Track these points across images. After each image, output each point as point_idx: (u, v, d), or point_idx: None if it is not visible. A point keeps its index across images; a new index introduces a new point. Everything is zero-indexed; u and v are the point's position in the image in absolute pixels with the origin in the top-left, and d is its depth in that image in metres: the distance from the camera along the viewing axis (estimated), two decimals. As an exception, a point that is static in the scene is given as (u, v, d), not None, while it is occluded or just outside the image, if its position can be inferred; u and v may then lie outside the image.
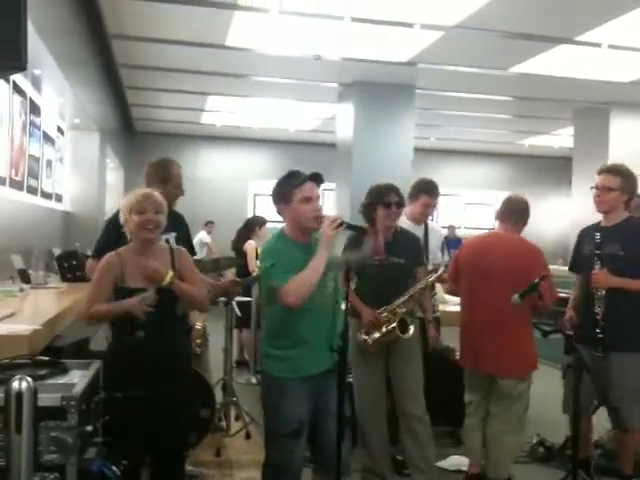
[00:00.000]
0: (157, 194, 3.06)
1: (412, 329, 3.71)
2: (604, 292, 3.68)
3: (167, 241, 3.37)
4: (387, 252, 3.73)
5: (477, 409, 3.91)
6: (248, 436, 4.70)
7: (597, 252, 3.72)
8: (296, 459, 2.95)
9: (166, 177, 3.66)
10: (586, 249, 3.85)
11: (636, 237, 3.71)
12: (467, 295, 3.94)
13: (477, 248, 3.95)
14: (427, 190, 4.32)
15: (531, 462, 4.42)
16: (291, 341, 2.95)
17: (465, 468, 4.16)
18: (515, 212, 3.90)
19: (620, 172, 3.76)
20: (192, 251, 3.60)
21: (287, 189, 2.89)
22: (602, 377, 3.64)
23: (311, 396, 2.97)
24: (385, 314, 3.67)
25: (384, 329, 3.66)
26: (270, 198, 3.01)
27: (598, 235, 3.74)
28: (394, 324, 3.64)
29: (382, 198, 3.70)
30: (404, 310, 3.67)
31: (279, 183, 2.97)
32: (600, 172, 3.83)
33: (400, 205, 3.79)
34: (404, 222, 4.10)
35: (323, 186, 2.96)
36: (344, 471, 2.89)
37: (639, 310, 3.67)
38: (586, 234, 3.95)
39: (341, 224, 2.82)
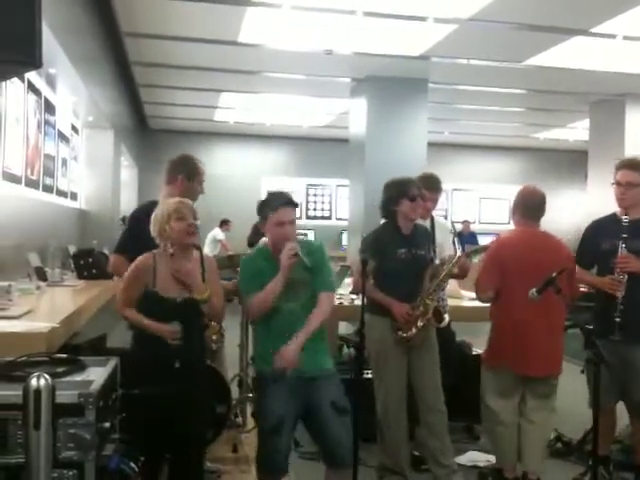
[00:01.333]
0: (189, 201, 3.13)
1: (447, 317, 3.73)
2: (626, 277, 3.64)
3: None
4: (410, 245, 3.78)
5: (512, 414, 3.76)
6: (264, 432, 4.70)
7: (624, 236, 3.66)
8: (276, 455, 3.00)
9: (193, 173, 3.68)
10: (607, 244, 3.78)
11: None
12: (513, 295, 3.66)
13: (523, 246, 3.76)
14: (425, 185, 4.32)
15: (549, 457, 4.39)
16: (266, 342, 3.13)
17: (482, 464, 4.14)
18: (538, 208, 3.82)
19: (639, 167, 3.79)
20: None
21: (264, 211, 3.17)
22: (623, 370, 3.64)
23: (296, 392, 3.02)
24: (420, 307, 3.68)
25: (420, 323, 3.64)
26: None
27: (626, 217, 3.68)
28: (429, 315, 3.66)
29: (407, 192, 3.75)
30: (433, 300, 3.69)
31: (260, 203, 3.24)
32: (620, 167, 3.81)
33: (423, 198, 3.89)
34: None
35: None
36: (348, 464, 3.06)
37: None
38: (602, 228, 3.89)
39: (295, 254, 3.00)
